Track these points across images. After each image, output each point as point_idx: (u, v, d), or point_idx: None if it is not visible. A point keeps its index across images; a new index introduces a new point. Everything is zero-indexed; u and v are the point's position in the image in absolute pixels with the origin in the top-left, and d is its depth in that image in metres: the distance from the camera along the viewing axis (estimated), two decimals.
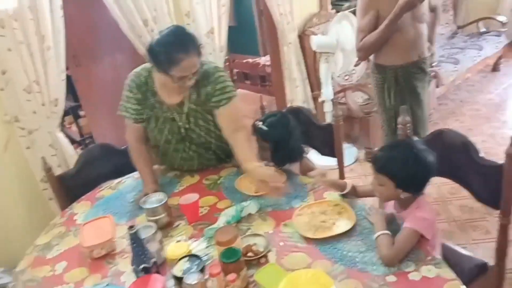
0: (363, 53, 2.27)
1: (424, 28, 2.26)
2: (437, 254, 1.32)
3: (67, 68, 2.87)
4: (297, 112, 2.12)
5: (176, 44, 1.57)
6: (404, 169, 1.33)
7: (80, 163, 2.07)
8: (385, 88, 2.26)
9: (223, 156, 1.97)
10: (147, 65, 1.77)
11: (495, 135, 3.39)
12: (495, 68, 4.66)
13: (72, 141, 3.81)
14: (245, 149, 1.73)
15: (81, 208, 1.83)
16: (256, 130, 1.84)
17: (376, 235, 1.30)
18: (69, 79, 3.27)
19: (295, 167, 1.91)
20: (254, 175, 1.64)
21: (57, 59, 2.21)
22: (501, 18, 4.48)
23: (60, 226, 1.72)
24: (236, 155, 1.74)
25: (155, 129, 1.84)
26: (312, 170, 1.90)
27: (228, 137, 1.78)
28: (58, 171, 2.20)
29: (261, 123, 1.83)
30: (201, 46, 1.64)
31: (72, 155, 2.39)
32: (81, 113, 3.79)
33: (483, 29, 4.62)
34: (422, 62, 2.28)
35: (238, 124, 1.77)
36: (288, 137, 1.82)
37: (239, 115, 1.82)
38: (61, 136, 2.36)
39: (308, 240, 1.39)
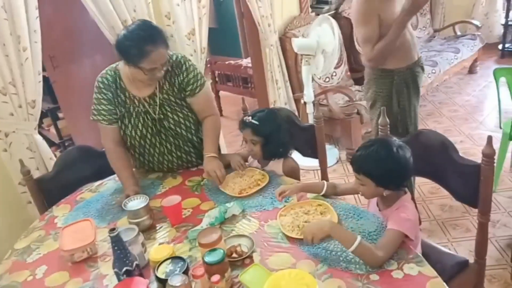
0: (375, 62, 2.21)
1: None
2: (418, 252, 1.34)
3: (44, 70, 2.82)
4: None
5: (145, 37, 1.63)
6: (380, 167, 1.35)
7: (59, 166, 2.03)
8: (394, 92, 2.23)
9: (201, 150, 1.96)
10: (112, 65, 1.85)
11: (472, 136, 3.47)
12: (471, 70, 4.78)
13: (51, 144, 3.75)
14: (207, 137, 1.89)
15: (61, 211, 1.79)
16: (246, 125, 1.84)
17: (355, 244, 1.23)
18: (46, 80, 3.21)
19: (278, 165, 1.91)
20: (206, 163, 1.80)
21: (33, 60, 2.16)
22: (476, 22, 4.61)
23: (39, 230, 1.68)
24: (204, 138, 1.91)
25: (129, 126, 1.85)
26: (295, 169, 1.92)
27: (201, 122, 1.93)
28: (36, 174, 2.14)
29: (250, 118, 1.83)
30: (167, 38, 1.70)
31: (50, 157, 2.33)
32: (60, 115, 3.72)
33: (459, 33, 4.74)
34: (420, 61, 2.31)
35: (210, 110, 1.94)
36: (278, 132, 1.84)
37: (211, 100, 1.99)
38: (38, 138, 2.30)
39: (292, 240, 1.40)
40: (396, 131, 2.22)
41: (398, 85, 2.24)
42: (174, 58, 1.82)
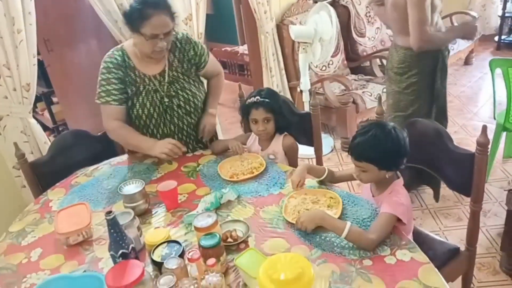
0: (427, 45, 2.19)
1: None
2: (410, 238, 1.36)
3: (38, 53, 2.79)
4: None
5: (147, 1, 1.68)
6: (381, 150, 1.36)
7: (53, 150, 2.02)
8: (437, 70, 2.28)
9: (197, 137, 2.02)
10: (117, 46, 1.89)
11: (467, 126, 3.50)
12: (467, 61, 4.80)
13: (45, 128, 3.73)
14: (213, 93, 2.05)
15: (56, 195, 1.79)
16: (258, 105, 1.84)
17: (346, 231, 1.26)
18: (41, 64, 3.18)
19: (278, 144, 1.94)
20: (204, 118, 1.95)
21: (28, 42, 2.13)
22: (473, 13, 4.60)
23: (34, 213, 1.68)
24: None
25: (137, 104, 1.85)
26: (294, 145, 1.97)
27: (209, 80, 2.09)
28: (30, 158, 2.13)
29: (258, 97, 1.85)
30: (174, 13, 1.74)
31: (45, 141, 2.32)
32: (54, 99, 3.69)
33: (456, 23, 4.73)
34: None
35: (217, 69, 2.08)
36: (284, 103, 1.94)
37: (216, 61, 2.09)
38: (33, 122, 2.29)
39: (287, 225, 1.41)
40: (429, 114, 2.32)
41: (441, 63, 2.30)
42: (180, 35, 1.91)
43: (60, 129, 3.68)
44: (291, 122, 1.94)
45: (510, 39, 5.11)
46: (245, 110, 1.91)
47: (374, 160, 1.38)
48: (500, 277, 2.05)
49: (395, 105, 2.42)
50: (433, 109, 2.35)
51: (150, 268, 1.24)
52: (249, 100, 1.88)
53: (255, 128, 1.90)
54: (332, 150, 3.45)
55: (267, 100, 1.84)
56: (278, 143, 1.95)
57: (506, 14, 5.00)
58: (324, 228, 1.35)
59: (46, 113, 3.77)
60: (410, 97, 2.35)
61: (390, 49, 2.43)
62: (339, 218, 1.39)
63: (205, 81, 2.13)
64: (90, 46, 3.31)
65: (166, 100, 1.86)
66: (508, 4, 5.01)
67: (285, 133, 1.96)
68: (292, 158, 1.97)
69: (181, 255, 1.21)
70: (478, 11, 5.04)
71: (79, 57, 3.32)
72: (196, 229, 1.26)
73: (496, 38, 5.12)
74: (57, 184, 1.87)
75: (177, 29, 1.87)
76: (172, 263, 1.13)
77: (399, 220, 1.34)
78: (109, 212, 1.14)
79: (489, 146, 1.45)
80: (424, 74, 2.29)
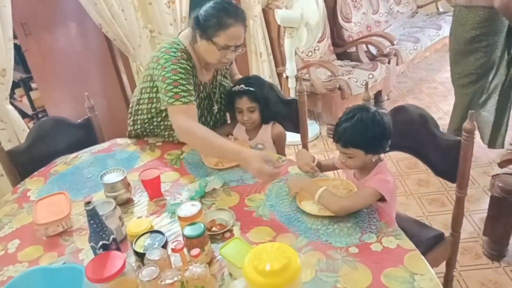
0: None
1: None
2: (395, 223, 1.37)
3: (15, 37, 2.69)
4: None
5: (228, 10, 1.60)
6: (368, 135, 1.35)
7: (32, 138, 1.95)
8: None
9: None
10: (179, 43, 1.69)
11: (451, 112, 3.51)
12: None
13: (24, 115, 3.62)
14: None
15: (34, 184, 1.74)
16: (242, 94, 1.80)
17: (318, 193, 1.31)
18: (18, 49, 3.06)
19: (266, 133, 1.91)
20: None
21: (3, 25, 2.05)
22: None
23: (12, 203, 1.62)
24: None
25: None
26: (282, 134, 1.96)
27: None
28: (8, 146, 2.07)
29: (243, 86, 1.80)
30: (247, 26, 1.69)
31: (23, 129, 2.25)
32: (33, 85, 3.58)
33: (441, 9, 4.73)
34: None
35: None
36: (270, 92, 1.89)
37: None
38: (10, 108, 2.22)
39: (272, 213, 1.39)
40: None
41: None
42: None
43: (39, 116, 3.59)
44: (277, 112, 1.90)
45: None
46: (230, 99, 1.86)
47: (362, 145, 1.37)
48: (482, 261, 2.08)
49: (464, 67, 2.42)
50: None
51: (132, 259, 1.21)
52: (233, 88, 1.83)
53: (240, 117, 1.86)
54: (317, 137, 3.44)
55: (251, 89, 1.79)
56: (267, 132, 1.91)
57: None
58: (310, 216, 1.34)
59: (25, 100, 3.66)
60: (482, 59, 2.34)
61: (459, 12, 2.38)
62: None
63: None
64: (70, 30, 3.19)
65: (215, 107, 1.88)
66: None
67: (274, 121, 1.93)
68: (279, 147, 1.95)
69: (165, 246, 1.18)
70: None
71: (58, 41, 3.20)
72: (180, 218, 1.23)
73: None
74: (36, 173, 1.82)
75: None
76: (154, 254, 1.10)
77: (381, 200, 1.33)
78: (88, 203, 1.10)
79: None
80: (494, 39, 2.26)
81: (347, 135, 1.38)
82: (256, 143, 1.91)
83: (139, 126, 1.93)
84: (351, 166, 1.46)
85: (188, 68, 1.65)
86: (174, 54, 1.64)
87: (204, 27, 1.60)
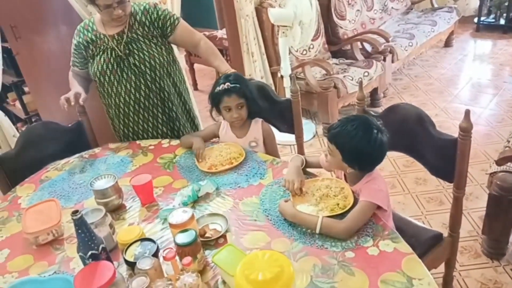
0: None
1: None
2: (391, 225, 1.34)
3: (5, 41, 2.65)
4: (256, 88, 2.05)
5: None
6: (353, 144, 1.31)
7: (22, 143, 1.92)
8: None
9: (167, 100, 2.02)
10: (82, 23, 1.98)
11: (447, 109, 3.50)
12: (447, 43, 4.78)
13: (17, 119, 3.57)
14: (213, 55, 2.01)
15: (24, 191, 1.71)
16: (229, 91, 1.76)
17: (318, 226, 1.25)
18: (9, 52, 3.02)
19: (258, 130, 1.89)
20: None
21: None
22: None
23: (2, 211, 1.60)
24: (210, 63, 2.04)
25: (94, 63, 1.92)
26: (271, 132, 1.93)
27: (195, 52, 2.12)
28: None
29: (228, 83, 1.76)
30: None
31: (13, 134, 2.22)
32: (26, 89, 3.53)
33: (436, 5, 4.71)
34: None
35: (196, 36, 2.04)
36: (253, 87, 1.88)
37: (192, 29, 2.05)
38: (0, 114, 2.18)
39: (267, 218, 1.36)
40: None
41: None
42: (143, 3, 1.95)
43: (33, 120, 3.54)
44: (262, 106, 1.91)
45: (489, 20, 5.11)
46: (216, 99, 1.81)
47: (342, 149, 1.34)
48: (481, 260, 2.06)
49: None
50: None
51: (123, 268, 1.18)
52: (218, 88, 1.78)
53: (229, 115, 1.82)
54: (314, 136, 3.41)
55: (238, 85, 1.77)
56: (258, 129, 1.89)
57: None
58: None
59: (18, 104, 3.61)
60: None
61: None
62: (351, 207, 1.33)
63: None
64: (60, 32, 3.14)
65: (120, 58, 1.89)
66: None
67: (261, 119, 1.91)
68: (270, 145, 1.92)
69: (156, 254, 1.15)
70: None
71: (49, 43, 3.16)
72: (171, 226, 1.20)
73: (476, 20, 5.12)
74: (26, 179, 1.79)
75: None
76: (145, 263, 1.07)
77: (379, 207, 1.31)
78: (76, 212, 1.06)
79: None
80: None
81: (336, 131, 1.36)
82: (249, 141, 1.88)
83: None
84: (329, 163, 1.44)
85: (75, 33, 1.96)
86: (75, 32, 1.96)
87: None
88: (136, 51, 1.90)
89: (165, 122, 2.04)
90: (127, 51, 1.89)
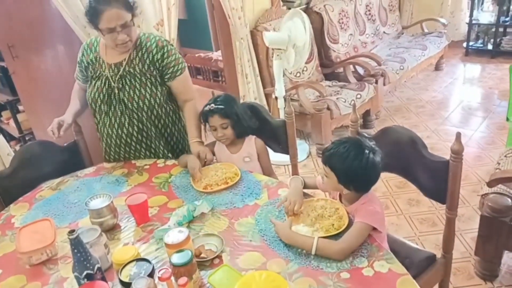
0: None
1: None
2: (385, 245, 1.35)
3: (2, 60, 2.66)
4: (250, 108, 2.09)
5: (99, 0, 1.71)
6: (346, 166, 1.33)
7: (17, 162, 1.92)
8: None
9: (163, 130, 1.98)
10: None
11: (438, 131, 3.55)
12: (437, 67, 4.89)
13: (11, 138, 3.56)
14: (191, 122, 1.94)
15: (18, 211, 1.69)
16: (213, 112, 1.87)
17: (314, 247, 1.25)
18: (5, 71, 3.04)
19: (251, 146, 1.94)
20: (193, 148, 1.88)
21: None
22: (443, 20, 4.71)
23: None
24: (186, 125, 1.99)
25: (90, 87, 1.90)
26: (265, 148, 1.99)
27: (181, 106, 2.00)
28: None
29: (213, 105, 1.87)
30: (133, 3, 1.76)
31: (8, 153, 2.21)
32: (20, 107, 3.54)
33: (426, 30, 4.83)
34: None
35: (190, 94, 1.98)
36: (240, 108, 1.92)
37: (190, 85, 2.00)
38: None
39: (262, 238, 1.37)
40: None
41: None
42: (153, 39, 1.86)
43: (27, 138, 3.53)
44: (250, 126, 1.95)
45: (477, 45, 5.25)
46: (204, 118, 1.93)
47: (336, 170, 1.36)
48: (475, 281, 2.07)
49: None
50: None
51: None
52: (205, 108, 1.91)
53: (215, 134, 1.93)
54: (308, 157, 3.44)
55: (221, 106, 1.86)
56: (251, 145, 1.95)
57: (473, 22, 5.14)
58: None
59: (12, 122, 3.61)
60: None
61: None
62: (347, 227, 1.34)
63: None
64: (58, 52, 3.18)
65: (112, 90, 1.85)
66: (475, 12, 5.15)
67: (254, 136, 1.98)
68: (264, 160, 1.97)
69: (151, 274, 1.14)
70: (447, 17, 5.17)
71: (46, 63, 3.19)
72: (167, 246, 1.20)
73: (465, 44, 5.25)
74: (21, 198, 1.78)
75: (152, 32, 1.98)
76: (140, 284, 1.07)
77: (374, 228, 1.32)
78: (72, 231, 1.06)
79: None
80: None
81: (329, 153, 1.38)
82: (243, 156, 1.93)
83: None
84: (326, 185, 1.46)
85: (81, 49, 1.95)
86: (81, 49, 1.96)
87: (90, 21, 1.75)
88: (127, 88, 1.84)
89: (167, 148, 2.00)
90: (120, 85, 1.84)
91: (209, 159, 1.86)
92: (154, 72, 1.85)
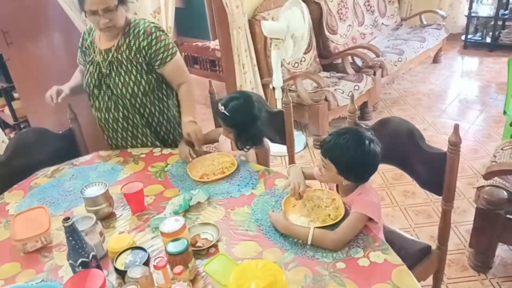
0: None
1: None
2: (382, 236, 1.35)
3: None
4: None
5: None
6: (346, 156, 1.33)
7: (11, 150, 1.90)
8: None
9: (150, 119, 1.97)
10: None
11: (435, 124, 3.56)
12: (435, 59, 4.88)
13: (6, 125, 3.53)
14: (184, 102, 1.94)
15: (13, 198, 1.68)
16: (218, 114, 1.75)
17: (310, 236, 1.26)
18: (0, 58, 3.00)
19: (252, 154, 1.87)
20: (183, 128, 1.86)
21: None
22: (442, 12, 4.69)
23: None
24: (180, 106, 1.99)
25: (86, 71, 1.94)
26: (267, 154, 1.91)
27: (176, 90, 1.98)
28: None
29: (223, 107, 1.71)
30: None
31: (2, 140, 2.19)
32: (15, 95, 3.50)
33: (425, 22, 4.81)
34: None
35: (183, 78, 1.95)
36: (251, 123, 1.72)
37: (183, 69, 1.97)
38: None
39: (258, 228, 1.37)
40: None
41: None
42: (143, 25, 1.84)
43: (21, 126, 3.51)
44: (255, 141, 1.82)
45: (476, 38, 5.24)
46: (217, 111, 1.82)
47: (337, 162, 1.35)
48: (468, 273, 2.08)
49: None
50: None
51: (113, 277, 1.17)
52: (219, 104, 1.76)
53: (221, 130, 1.84)
54: (304, 148, 3.43)
55: (227, 115, 1.70)
56: (252, 153, 1.88)
57: (472, 14, 5.12)
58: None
59: (7, 110, 3.58)
60: None
61: None
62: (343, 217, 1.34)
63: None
64: (53, 39, 3.14)
65: (102, 75, 1.87)
66: (474, 5, 5.13)
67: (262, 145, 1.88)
68: (263, 161, 1.91)
69: (147, 262, 1.14)
70: (446, 10, 5.14)
71: (42, 50, 3.14)
72: (163, 234, 1.20)
73: (463, 37, 5.24)
74: (15, 186, 1.76)
75: (147, 19, 1.90)
76: (135, 272, 1.06)
77: (370, 219, 1.32)
78: (67, 219, 1.06)
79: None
80: None
81: (329, 145, 1.37)
82: (239, 154, 1.88)
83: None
84: (323, 175, 1.44)
85: (79, 44, 1.99)
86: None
87: (78, 2, 1.78)
88: (113, 74, 1.85)
89: (156, 138, 2.00)
90: (107, 71, 1.85)
91: (200, 138, 1.81)
92: (140, 60, 1.83)
